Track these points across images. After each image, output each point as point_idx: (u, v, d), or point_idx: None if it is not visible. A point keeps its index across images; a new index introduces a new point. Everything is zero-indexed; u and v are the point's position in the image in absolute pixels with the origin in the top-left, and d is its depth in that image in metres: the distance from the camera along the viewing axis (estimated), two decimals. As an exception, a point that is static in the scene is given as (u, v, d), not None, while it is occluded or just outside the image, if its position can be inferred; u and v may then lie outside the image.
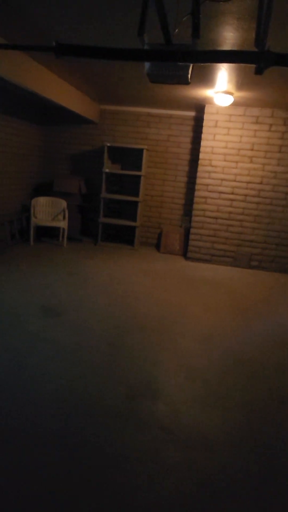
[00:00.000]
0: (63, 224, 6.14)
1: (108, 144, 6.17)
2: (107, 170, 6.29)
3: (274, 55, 1.55)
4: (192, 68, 2.24)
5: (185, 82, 2.18)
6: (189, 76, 2.18)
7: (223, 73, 3.85)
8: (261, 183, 5.67)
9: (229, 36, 2.91)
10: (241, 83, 4.19)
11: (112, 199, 6.69)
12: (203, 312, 3.93)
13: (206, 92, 4.79)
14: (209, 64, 2.61)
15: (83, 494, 1.67)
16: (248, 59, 1.60)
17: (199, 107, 5.84)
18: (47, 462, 1.82)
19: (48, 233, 6.62)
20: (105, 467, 1.83)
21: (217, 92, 4.68)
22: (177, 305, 4.08)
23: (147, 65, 2.05)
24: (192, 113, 6.30)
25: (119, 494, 1.68)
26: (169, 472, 1.84)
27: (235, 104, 5.34)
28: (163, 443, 2.02)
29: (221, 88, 4.53)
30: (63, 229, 6.17)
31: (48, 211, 6.35)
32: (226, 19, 2.59)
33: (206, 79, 4.11)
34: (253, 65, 1.68)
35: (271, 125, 5.50)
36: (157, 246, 6.81)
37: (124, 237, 6.93)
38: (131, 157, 6.59)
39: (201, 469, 1.88)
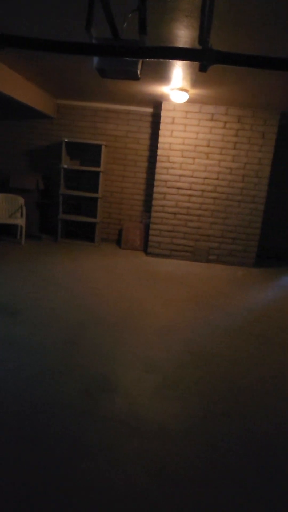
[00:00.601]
0: (20, 221, 5.99)
1: (66, 140, 6.08)
2: (65, 166, 6.20)
3: (216, 53, 1.60)
4: (142, 64, 2.26)
5: (135, 77, 2.20)
6: (139, 71, 2.19)
7: (178, 70, 3.91)
8: (217, 178, 5.81)
9: (180, 34, 2.95)
10: (195, 80, 4.26)
11: (72, 195, 6.61)
12: (162, 306, 3.99)
13: (162, 89, 4.83)
14: (158, 60, 2.64)
15: (48, 481, 1.66)
16: (191, 57, 1.64)
17: (157, 104, 5.88)
18: (13, 457, 1.79)
19: (5, 231, 6.43)
20: (67, 458, 1.83)
21: (172, 89, 4.74)
22: (137, 300, 4.11)
23: (95, 59, 2.04)
24: (150, 109, 6.34)
25: (81, 480, 1.69)
26: (124, 463, 1.86)
27: (191, 101, 5.43)
28: (121, 436, 2.04)
29: (176, 85, 4.59)
30: (21, 226, 6.03)
31: (4, 208, 6.17)
32: (175, 16, 2.63)
33: (161, 75, 4.15)
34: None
35: (225, 122, 5.64)
36: (118, 242, 6.82)
37: (84, 233, 6.87)
38: (90, 153, 6.54)
39: (156, 458, 1.92)
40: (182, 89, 4.70)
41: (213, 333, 3.47)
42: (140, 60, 2.10)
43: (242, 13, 2.37)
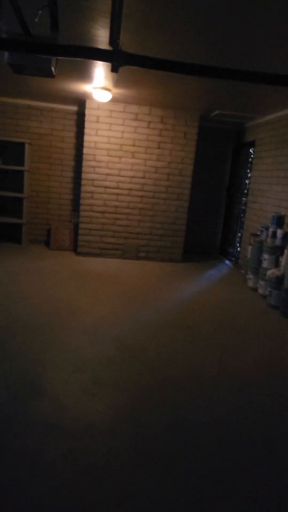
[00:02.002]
0: None
1: (-15, 137, 5.78)
2: (-14, 165, 5.89)
3: (125, 54, 1.64)
4: (57, 61, 2.24)
5: (50, 75, 2.17)
6: (54, 69, 2.17)
7: (98, 69, 3.91)
8: (143, 177, 5.93)
9: (97, 33, 2.96)
10: (117, 80, 4.31)
11: (-6, 195, 6.29)
12: (91, 305, 3.99)
13: (84, 87, 4.81)
14: (70, 59, 2.62)
15: None
16: (102, 57, 1.66)
17: (81, 102, 5.83)
18: None
19: None
20: (-18, 474, 1.75)
21: (95, 88, 4.73)
22: (66, 300, 4.06)
23: (6, 54, 1.98)
24: (74, 108, 6.26)
25: (8, 486, 1.64)
26: (51, 465, 1.84)
27: (115, 100, 5.47)
28: (47, 439, 2.01)
29: (99, 84, 4.59)
30: None
31: None
32: (91, 16, 2.63)
33: (81, 74, 4.13)
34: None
35: (149, 122, 5.78)
36: (47, 243, 6.65)
37: (10, 235, 6.59)
38: (12, 151, 6.28)
39: (83, 457, 1.92)
40: (105, 88, 4.72)
41: (142, 328, 3.55)
42: (54, 58, 2.08)
43: (152, 16, 2.45)
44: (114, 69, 1.70)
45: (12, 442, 1.97)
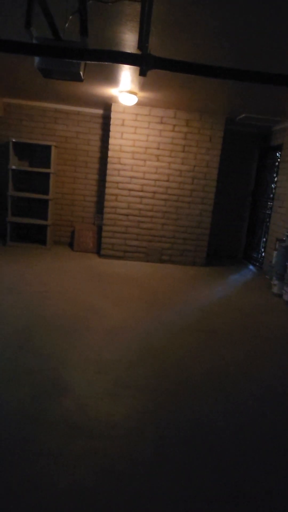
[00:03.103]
0: None
1: (14, 140, 5.92)
2: (13, 167, 6.03)
3: (154, 58, 1.64)
4: (85, 65, 2.27)
5: (78, 79, 2.20)
6: (82, 73, 2.20)
7: (125, 73, 3.95)
8: (168, 180, 5.93)
9: (125, 38, 2.99)
10: (143, 84, 4.33)
11: (21, 197, 6.44)
12: (113, 307, 4.00)
13: (111, 91, 4.86)
14: (99, 63, 2.65)
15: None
16: (130, 61, 1.67)
17: (107, 105, 5.89)
18: None
19: None
20: (15, 465, 1.78)
21: (121, 92, 4.77)
22: (89, 302, 4.09)
23: (36, 59, 2.02)
24: (100, 111, 6.33)
25: (31, 487, 1.66)
26: (71, 466, 1.86)
27: (140, 104, 5.50)
28: (67, 439, 2.03)
29: (125, 88, 4.63)
30: None
31: None
32: (119, 20, 2.66)
33: (108, 78, 4.17)
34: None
35: (174, 125, 5.78)
36: (71, 245, 6.74)
37: (36, 236, 6.72)
38: (39, 154, 6.41)
39: (103, 458, 1.92)
40: (131, 92, 4.75)
41: (164, 330, 3.53)
42: (82, 62, 2.11)
43: (180, 20, 2.45)
44: (142, 73, 1.70)
45: (33, 441, 1.99)
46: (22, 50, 1.68)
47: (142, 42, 1.71)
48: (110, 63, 3.48)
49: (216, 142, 5.85)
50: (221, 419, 2.33)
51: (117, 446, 2.02)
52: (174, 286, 5.02)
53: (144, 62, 1.62)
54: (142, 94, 4.85)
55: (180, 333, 3.54)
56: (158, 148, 5.83)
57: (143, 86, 4.46)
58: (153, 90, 4.59)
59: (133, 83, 4.36)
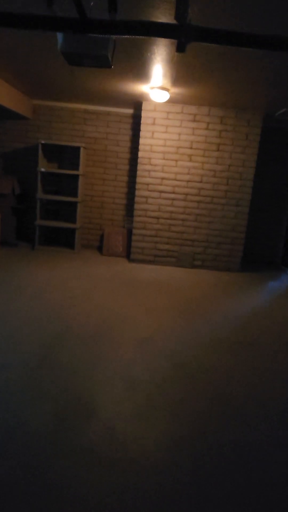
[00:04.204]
0: (-5, 227, 5.67)
1: (43, 141, 5.81)
2: (42, 169, 5.93)
3: (195, 28, 1.38)
4: (114, 49, 2.03)
5: (106, 63, 1.97)
6: (110, 56, 1.96)
7: (157, 66, 3.70)
8: (201, 181, 5.62)
9: (158, 14, 2.73)
10: (176, 78, 4.07)
11: (50, 200, 6.33)
12: (144, 316, 3.74)
13: (141, 88, 4.63)
14: (132, 39, 2.39)
15: None
16: (167, 32, 1.41)
17: (137, 104, 5.68)
18: None
19: (-21, 238, 6.10)
20: (22, 502, 1.55)
21: (152, 88, 4.53)
22: (117, 309, 3.85)
23: (59, 39, 1.80)
24: (130, 111, 6.13)
25: None
26: (93, 501, 1.60)
27: (172, 101, 5.25)
28: (91, 470, 1.78)
29: (156, 84, 4.39)
30: (-4, 233, 5.71)
31: (-22, 213, 5.84)
32: None
33: (139, 71, 3.94)
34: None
35: (208, 123, 5.47)
36: (100, 249, 6.55)
37: (64, 240, 6.59)
38: (68, 156, 6.28)
39: (133, 494, 1.66)
40: (163, 88, 4.50)
41: (198, 343, 3.23)
42: (112, 43, 1.87)
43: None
44: (180, 48, 1.44)
45: (47, 473, 1.75)
46: (42, 24, 1.46)
47: (180, 11, 1.45)
48: (142, 52, 3.23)
49: (253, 140, 5.49)
50: (268, 448, 2.01)
51: (147, 479, 1.74)
52: (207, 294, 4.70)
53: (183, 33, 1.36)
54: (174, 90, 4.59)
55: (215, 345, 3.23)
56: (190, 148, 5.55)
57: (176, 81, 4.20)
58: (186, 85, 4.32)
59: (165, 77, 4.10)
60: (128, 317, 3.66)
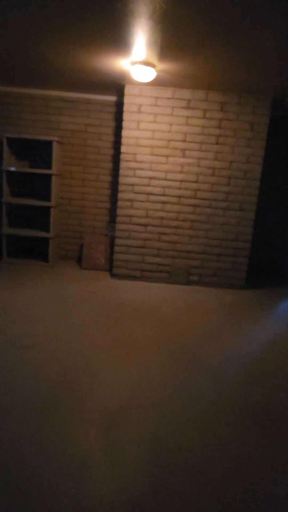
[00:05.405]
0: None
1: (8, 135, 4.85)
2: (9, 168, 4.97)
3: None
4: None
5: None
6: None
7: (135, 27, 2.74)
8: (197, 181, 4.67)
9: None
10: (163, 49, 3.12)
11: (20, 204, 5.38)
12: (120, 365, 2.80)
13: (121, 64, 3.67)
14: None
15: None
16: None
17: (120, 90, 4.73)
18: None
19: None
20: None
21: (134, 63, 3.58)
22: (88, 352, 2.91)
23: None
24: (113, 98, 5.18)
25: None
26: None
27: (161, 83, 4.30)
28: None
29: (139, 57, 3.43)
30: None
31: None
32: None
33: (115, 38, 2.98)
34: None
35: (205, 110, 4.52)
36: (80, 260, 5.61)
37: (39, 251, 5.63)
38: (42, 152, 5.33)
39: None
40: (147, 63, 3.55)
41: (193, 416, 2.28)
42: None
43: None
44: None
45: None
46: None
47: None
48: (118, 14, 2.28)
49: (260, 130, 4.54)
50: None
51: None
52: (206, 322, 3.75)
53: None
54: (162, 66, 3.64)
55: (219, 418, 2.28)
56: (184, 141, 4.59)
57: (163, 54, 3.25)
58: (176, 59, 3.37)
59: (149, 47, 3.15)
60: (98, 368, 2.72)
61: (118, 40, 3.03)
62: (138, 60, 3.51)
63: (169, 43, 3.00)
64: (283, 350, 3.27)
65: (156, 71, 3.74)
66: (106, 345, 3.05)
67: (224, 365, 2.91)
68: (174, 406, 2.33)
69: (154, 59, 3.46)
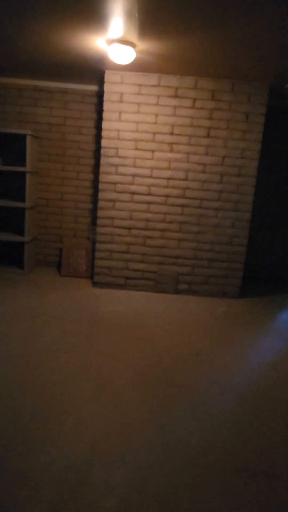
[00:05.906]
0: None
1: (-24, 128, 4.34)
2: (-23, 165, 4.46)
3: None
4: None
5: None
6: None
7: (111, 4, 2.26)
8: (186, 179, 4.20)
9: None
10: (144, 23, 2.63)
11: (-9, 205, 4.86)
12: (90, 400, 2.31)
13: (98, 43, 3.18)
14: None
15: None
16: None
17: (100, 77, 4.23)
18: None
19: None
20: None
21: (111, 42, 3.09)
22: (52, 386, 2.42)
23: None
24: (94, 87, 4.68)
25: None
26: None
27: (144, 69, 3.81)
28: None
29: (115, 34, 2.94)
30: None
31: None
32: None
33: (88, 10, 2.49)
34: None
35: (194, 99, 4.04)
36: (60, 266, 5.11)
37: (14, 256, 5.12)
38: (16, 148, 4.82)
39: None
40: (125, 41, 3.06)
41: (178, 475, 1.80)
42: None
43: None
44: None
45: None
46: None
47: None
48: None
49: (256, 121, 4.07)
50: None
51: None
52: (194, 341, 3.28)
53: None
54: (143, 45, 3.15)
55: (212, 479, 1.80)
56: (171, 133, 4.11)
57: (143, 29, 2.76)
58: (160, 36, 2.89)
59: (127, 23, 2.67)
60: (66, 403, 2.23)
61: (90, 13, 2.54)
62: (114, 38, 3.02)
63: (152, 21, 2.51)
64: (285, 376, 2.80)
65: (136, 51, 3.25)
66: (76, 374, 2.57)
67: (216, 399, 2.44)
68: (152, 461, 1.85)
69: (133, 37, 2.97)
